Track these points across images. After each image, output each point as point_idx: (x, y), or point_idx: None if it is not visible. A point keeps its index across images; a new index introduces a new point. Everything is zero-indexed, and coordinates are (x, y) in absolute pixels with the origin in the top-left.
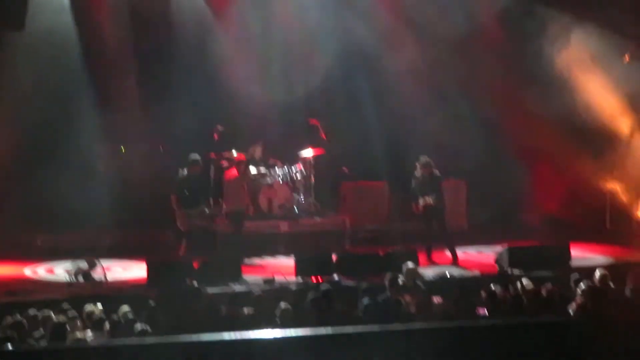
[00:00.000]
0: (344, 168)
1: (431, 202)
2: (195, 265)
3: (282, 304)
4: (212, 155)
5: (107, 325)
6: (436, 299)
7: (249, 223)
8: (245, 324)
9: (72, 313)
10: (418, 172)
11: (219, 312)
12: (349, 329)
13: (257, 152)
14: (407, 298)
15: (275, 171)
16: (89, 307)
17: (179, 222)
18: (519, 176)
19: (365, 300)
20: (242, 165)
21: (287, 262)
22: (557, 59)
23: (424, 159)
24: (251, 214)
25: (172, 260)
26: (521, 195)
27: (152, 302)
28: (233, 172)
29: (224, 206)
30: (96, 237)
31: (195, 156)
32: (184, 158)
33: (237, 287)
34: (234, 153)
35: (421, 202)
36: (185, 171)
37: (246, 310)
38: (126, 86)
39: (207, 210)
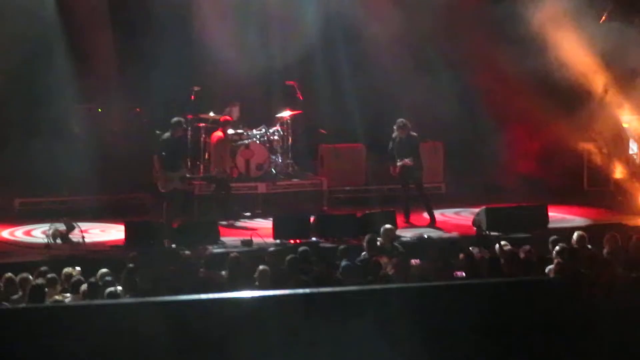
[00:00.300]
0: (321, 130)
1: (409, 163)
2: (174, 227)
3: (260, 266)
4: (189, 116)
5: (85, 288)
6: (414, 261)
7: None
8: (222, 285)
9: (51, 275)
10: (395, 134)
11: (196, 274)
12: (326, 289)
13: (234, 112)
14: (385, 260)
15: (252, 132)
16: (67, 270)
17: (160, 184)
18: (496, 137)
19: (344, 262)
20: (228, 127)
21: (265, 224)
22: (531, 18)
23: (401, 121)
24: (235, 176)
25: (150, 222)
26: (498, 156)
27: (130, 264)
28: (218, 133)
29: (212, 168)
30: (74, 199)
31: (180, 119)
32: (161, 119)
33: (215, 249)
34: (211, 114)
35: (399, 163)
36: (169, 133)
37: (224, 272)
38: (103, 47)
39: (187, 173)
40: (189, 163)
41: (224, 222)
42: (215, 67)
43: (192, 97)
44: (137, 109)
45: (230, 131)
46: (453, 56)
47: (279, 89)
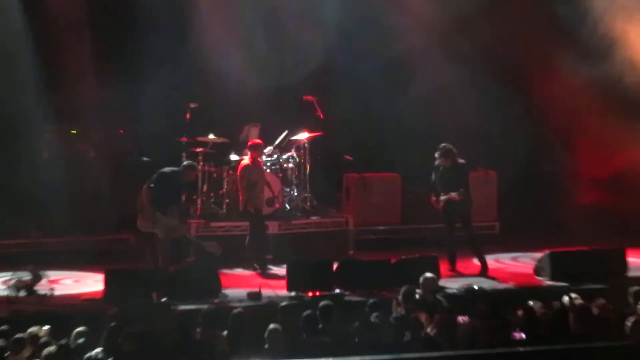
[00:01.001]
0: (347, 156)
1: (455, 198)
2: (165, 275)
3: (271, 325)
4: (184, 139)
5: (49, 351)
6: (461, 318)
7: (228, 224)
8: (224, 350)
9: (16, 336)
10: (438, 162)
11: (192, 335)
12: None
13: (253, 134)
14: (425, 317)
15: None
16: (32, 329)
17: (140, 221)
18: (559, 163)
19: (374, 319)
20: (257, 152)
21: (277, 272)
22: (598, 12)
23: (444, 146)
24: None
25: (135, 271)
26: (563, 187)
27: (112, 323)
28: (245, 161)
29: (242, 203)
30: (42, 241)
31: (194, 164)
32: (149, 143)
33: (216, 303)
34: (211, 136)
35: (442, 197)
36: (174, 169)
37: (226, 332)
38: (78, 55)
39: (178, 223)
40: (183, 198)
41: (255, 270)
42: (216, 79)
43: (188, 115)
44: (120, 130)
45: (272, 155)
46: (506, 65)
47: (294, 106)
